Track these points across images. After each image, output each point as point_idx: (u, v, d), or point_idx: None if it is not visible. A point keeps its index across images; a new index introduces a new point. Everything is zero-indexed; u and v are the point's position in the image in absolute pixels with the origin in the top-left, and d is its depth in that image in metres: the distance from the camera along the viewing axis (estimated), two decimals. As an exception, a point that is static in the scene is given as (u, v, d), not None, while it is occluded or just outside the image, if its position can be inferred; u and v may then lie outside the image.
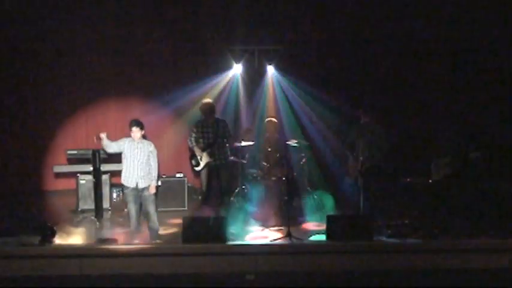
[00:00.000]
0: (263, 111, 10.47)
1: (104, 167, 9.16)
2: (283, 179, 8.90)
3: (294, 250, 7.52)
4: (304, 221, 8.80)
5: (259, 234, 8.21)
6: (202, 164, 9.02)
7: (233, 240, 7.68)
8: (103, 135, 7.93)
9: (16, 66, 10.80)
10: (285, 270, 7.23)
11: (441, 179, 8.63)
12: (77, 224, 8.63)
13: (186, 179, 9.97)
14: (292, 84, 10.62)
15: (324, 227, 7.87)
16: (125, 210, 9.23)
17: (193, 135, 9.13)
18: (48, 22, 10.67)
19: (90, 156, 8.99)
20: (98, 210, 8.92)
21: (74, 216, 9.23)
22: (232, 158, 9.41)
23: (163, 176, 9.76)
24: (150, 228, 7.96)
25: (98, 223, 8.71)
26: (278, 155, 9.29)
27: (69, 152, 9.85)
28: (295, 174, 9.28)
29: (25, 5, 10.56)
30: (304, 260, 7.35)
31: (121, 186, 9.76)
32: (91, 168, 9.00)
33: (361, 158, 8.44)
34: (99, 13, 10.68)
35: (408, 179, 9.05)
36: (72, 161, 9.95)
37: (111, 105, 11.01)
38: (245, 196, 9.32)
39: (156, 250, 7.46)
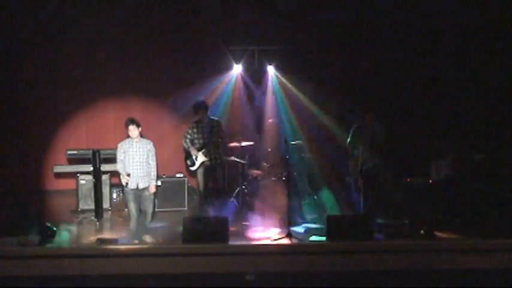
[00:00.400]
0: (263, 112, 10.48)
1: (104, 167, 9.17)
2: (283, 179, 8.90)
3: (294, 250, 7.52)
4: (304, 221, 8.79)
5: (259, 234, 8.20)
6: (197, 163, 9.03)
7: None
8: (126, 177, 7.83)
9: (15, 66, 10.80)
10: (285, 270, 7.23)
11: (441, 179, 8.63)
12: (77, 224, 8.64)
13: (186, 179, 9.98)
14: (292, 84, 10.62)
15: (323, 227, 7.87)
16: (125, 210, 9.24)
17: (188, 136, 9.13)
18: (48, 22, 10.67)
19: (90, 156, 9.00)
20: (98, 210, 8.93)
21: (74, 216, 9.23)
22: (232, 158, 9.41)
23: (163, 176, 9.76)
24: (144, 225, 7.95)
25: (97, 223, 8.71)
26: (278, 155, 9.29)
27: (69, 152, 9.86)
28: (295, 174, 9.28)
29: (25, 4, 10.56)
30: (304, 260, 7.35)
31: (121, 187, 9.79)
32: (91, 168, 9.01)
33: (361, 158, 8.44)
34: (99, 13, 10.67)
35: (408, 179, 9.05)
36: (72, 161, 9.96)
37: (111, 105, 11.01)
38: (245, 196, 9.33)
39: (156, 250, 7.46)
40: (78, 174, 9.70)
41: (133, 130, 7.76)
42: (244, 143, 9.31)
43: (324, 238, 7.71)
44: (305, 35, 10.93)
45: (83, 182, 9.67)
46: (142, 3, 10.82)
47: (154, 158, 7.94)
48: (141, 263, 7.28)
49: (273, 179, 9.13)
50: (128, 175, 7.73)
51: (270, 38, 10.60)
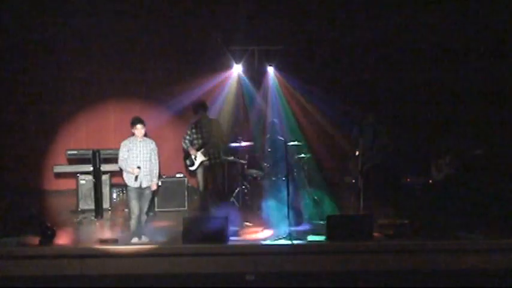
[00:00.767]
0: (263, 112, 10.47)
1: (104, 167, 9.17)
2: (283, 179, 8.90)
3: (294, 250, 7.51)
4: (304, 221, 8.79)
5: (259, 234, 8.20)
6: (196, 163, 9.03)
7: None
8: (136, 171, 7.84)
9: (15, 67, 10.80)
10: (285, 270, 7.24)
11: (441, 179, 8.63)
12: (77, 224, 8.64)
13: (186, 179, 9.97)
14: (292, 84, 10.62)
15: (323, 227, 7.87)
16: (125, 210, 9.26)
17: (188, 137, 9.13)
18: (49, 22, 10.67)
19: (90, 156, 8.99)
20: (98, 210, 8.92)
21: (74, 216, 9.23)
22: (232, 158, 9.41)
23: (164, 176, 9.76)
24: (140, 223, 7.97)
25: (97, 223, 8.71)
26: (278, 155, 9.28)
27: (69, 152, 9.84)
28: (295, 174, 9.28)
29: (26, 5, 10.56)
30: (304, 260, 7.35)
31: (121, 186, 9.80)
32: (91, 168, 9.02)
33: (361, 158, 8.44)
34: (100, 13, 10.67)
35: (408, 179, 9.05)
36: (72, 161, 9.95)
37: (111, 106, 11.01)
38: (245, 196, 9.32)
39: (156, 250, 7.45)
40: (78, 174, 9.69)
41: (140, 129, 7.83)
42: (244, 143, 9.30)
43: (323, 238, 7.71)
44: (305, 35, 10.93)
45: (83, 182, 9.67)
46: (143, 3, 10.82)
47: (156, 157, 7.99)
48: (141, 263, 7.28)
49: (273, 179, 9.13)
50: (138, 167, 7.75)
51: (270, 38, 10.60)
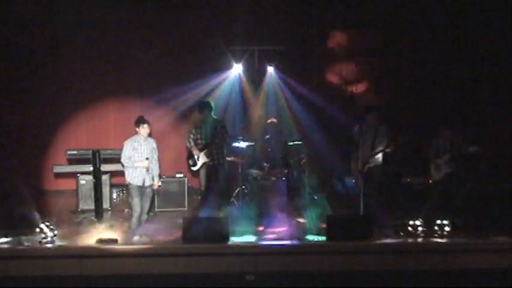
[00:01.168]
0: (263, 112, 10.47)
1: (104, 167, 9.15)
2: (283, 179, 8.90)
3: (294, 250, 7.52)
4: (304, 221, 8.79)
5: (260, 234, 8.19)
6: (199, 164, 9.03)
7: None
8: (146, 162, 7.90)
9: (16, 66, 10.78)
10: (285, 270, 7.24)
11: (441, 179, 8.61)
12: (77, 224, 8.64)
13: (186, 179, 9.98)
14: (291, 84, 10.62)
15: (323, 226, 7.87)
16: (125, 210, 9.27)
17: (192, 136, 9.14)
18: (49, 22, 10.67)
19: (90, 156, 8.98)
20: (98, 210, 8.92)
21: (74, 217, 9.23)
22: (232, 158, 9.41)
23: (164, 176, 9.75)
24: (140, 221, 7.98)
25: (97, 223, 8.70)
26: (278, 155, 9.29)
27: (69, 152, 9.84)
28: (295, 174, 9.28)
29: (26, 5, 10.56)
30: (304, 260, 7.35)
31: (121, 187, 9.80)
32: (91, 168, 9.00)
33: (362, 158, 8.43)
34: (100, 13, 10.67)
35: (408, 179, 9.04)
36: (72, 161, 9.94)
37: (111, 106, 11.01)
38: (245, 196, 9.32)
39: (156, 250, 7.46)
40: (78, 175, 9.70)
41: (146, 129, 7.95)
42: (244, 143, 9.30)
43: (323, 238, 7.71)
44: (305, 35, 10.92)
45: (83, 182, 9.67)
46: (143, 3, 10.82)
47: (157, 157, 8.09)
48: (141, 263, 7.28)
49: (273, 179, 9.13)
50: (147, 158, 7.82)
51: (270, 38, 10.60)
